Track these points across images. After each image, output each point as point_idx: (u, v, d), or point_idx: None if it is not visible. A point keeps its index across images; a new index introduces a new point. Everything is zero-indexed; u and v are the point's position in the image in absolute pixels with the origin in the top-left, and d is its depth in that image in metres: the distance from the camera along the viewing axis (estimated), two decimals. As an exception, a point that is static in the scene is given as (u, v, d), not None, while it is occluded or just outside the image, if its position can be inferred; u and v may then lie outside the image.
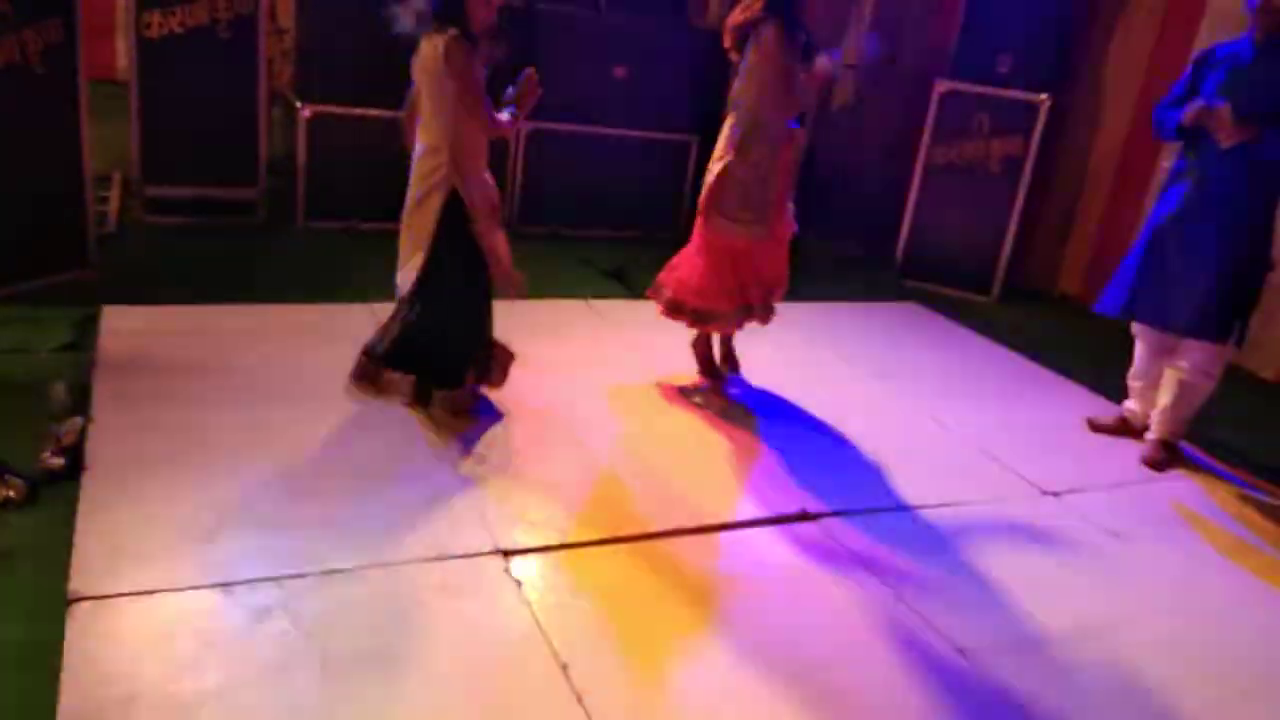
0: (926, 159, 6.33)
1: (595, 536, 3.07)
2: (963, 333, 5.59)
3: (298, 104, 5.55)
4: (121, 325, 4.01)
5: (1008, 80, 6.03)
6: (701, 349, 4.31)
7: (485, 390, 3.76)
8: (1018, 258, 6.29)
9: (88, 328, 3.99)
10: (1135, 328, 4.24)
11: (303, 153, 5.56)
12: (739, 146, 3.90)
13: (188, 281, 4.61)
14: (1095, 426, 4.44)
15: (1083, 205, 6.45)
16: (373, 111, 5.46)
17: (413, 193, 3.48)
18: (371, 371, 3.53)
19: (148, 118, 5.21)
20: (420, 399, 3.56)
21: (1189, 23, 5.71)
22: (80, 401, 3.38)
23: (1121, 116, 6.15)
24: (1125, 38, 6.14)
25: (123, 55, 6.68)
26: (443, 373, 3.57)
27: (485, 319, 3.66)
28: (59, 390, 3.40)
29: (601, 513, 3.21)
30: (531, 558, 2.92)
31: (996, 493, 3.75)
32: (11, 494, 2.85)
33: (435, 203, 3.41)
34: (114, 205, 5.42)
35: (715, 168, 3.94)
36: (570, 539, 3.04)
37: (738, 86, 3.95)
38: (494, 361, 3.70)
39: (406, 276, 3.51)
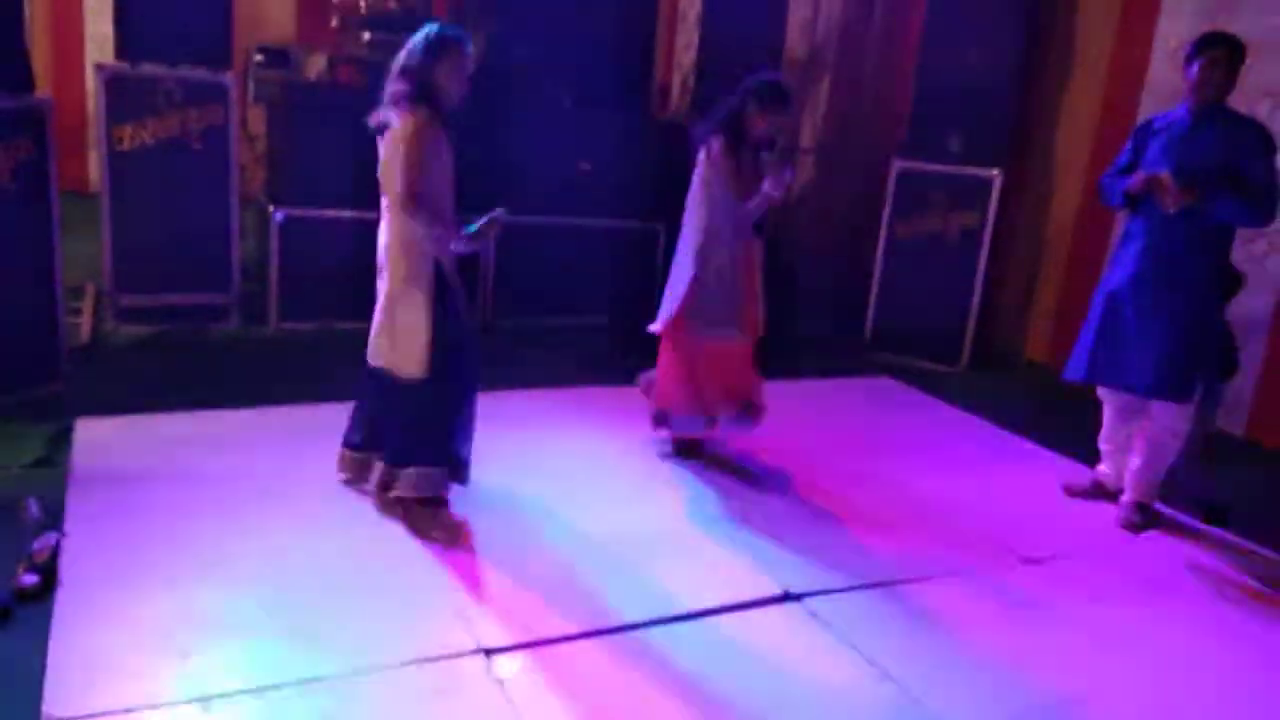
0: (888, 235, 6.48)
1: (578, 629, 3.04)
2: (934, 404, 5.66)
3: (270, 208, 5.63)
4: (95, 437, 4.00)
5: (960, 157, 6.24)
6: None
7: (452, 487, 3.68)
8: (983, 327, 6.41)
9: (60, 442, 3.96)
10: (1101, 391, 4.32)
11: (276, 255, 5.63)
12: (700, 257, 4.02)
13: (162, 390, 4.60)
14: (1071, 491, 4.49)
15: (1043, 273, 6.61)
16: (345, 213, 5.55)
17: (393, 282, 3.45)
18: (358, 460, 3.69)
19: (120, 229, 5.24)
20: (387, 483, 3.57)
21: (1129, 94, 5.96)
22: (53, 517, 3.35)
23: (1073, 186, 6.36)
24: (1071, 112, 6.38)
25: (94, 168, 6.76)
26: (418, 448, 3.53)
27: (471, 405, 3.64)
28: (31, 507, 3.37)
29: (583, 604, 3.19)
30: (513, 655, 2.89)
31: (978, 563, 3.76)
32: (-16, 615, 2.81)
33: (423, 287, 3.39)
34: (87, 317, 5.43)
35: (683, 278, 4.05)
36: (552, 634, 3.01)
37: (690, 199, 4.08)
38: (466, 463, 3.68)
39: (398, 363, 3.46)
